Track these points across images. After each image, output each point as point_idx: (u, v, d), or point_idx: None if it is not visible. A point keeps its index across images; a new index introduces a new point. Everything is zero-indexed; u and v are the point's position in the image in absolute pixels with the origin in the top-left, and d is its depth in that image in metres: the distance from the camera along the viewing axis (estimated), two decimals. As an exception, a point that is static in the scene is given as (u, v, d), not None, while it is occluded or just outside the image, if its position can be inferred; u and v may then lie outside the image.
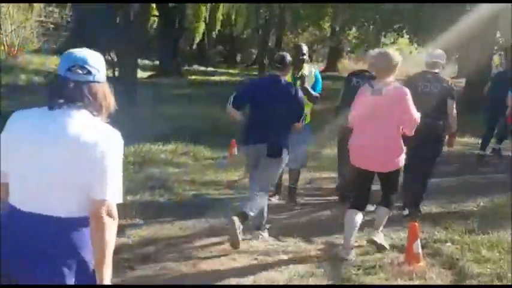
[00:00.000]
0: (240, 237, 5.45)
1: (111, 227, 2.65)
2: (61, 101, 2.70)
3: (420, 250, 5.31)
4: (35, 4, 27.94)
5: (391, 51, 5.83)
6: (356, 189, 5.85)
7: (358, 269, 5.25)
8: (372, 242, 5.72)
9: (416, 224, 5.43)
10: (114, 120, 2.87)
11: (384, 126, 5.51)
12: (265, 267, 5.27)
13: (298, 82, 6.81)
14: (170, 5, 25.84)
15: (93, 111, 2.74)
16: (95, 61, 2.79)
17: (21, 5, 28.36)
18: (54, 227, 2.65)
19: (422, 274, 5.10)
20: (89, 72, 2.75)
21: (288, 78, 6.48)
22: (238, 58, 43.41)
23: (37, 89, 20.84)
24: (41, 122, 2.71)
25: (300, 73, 6.89)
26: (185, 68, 30.99)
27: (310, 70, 7.00)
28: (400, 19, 19.26)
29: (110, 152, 2.68)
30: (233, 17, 31.52)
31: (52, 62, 26.76)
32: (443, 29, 13.96)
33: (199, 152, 10.08)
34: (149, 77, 25.10)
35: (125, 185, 2.80)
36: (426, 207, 7.20)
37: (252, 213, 5.61)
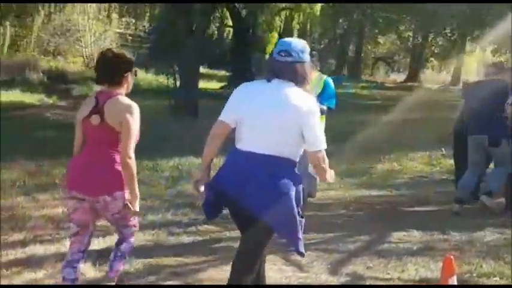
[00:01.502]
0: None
1: (325, 166, 3.72)
2: (273, 75, 3.75)
3: (456, 288, 4.51)
4: (112, 15, 28.31)
5: None
6: None
7: (382, 309, 4.53)
8: None
9: (451, 256, 4.65)
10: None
11: None
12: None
13: None
14: (243, 14, 25.57)
15: (297, 84, 3.74)
16: (296, 47, 3.77)
17: (100, 16, 28.91)
18: (269, 163, 3.64)
19: (455, 317, 4.33)
20: (290, 55, 3.74)
21: None
22: (316, 69, 42.73)
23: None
24: (263, 88, 3.78)
25: None
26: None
27: (321, 77, 6.18)
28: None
29: (314, 114, 3.70)
30: (308, 27, 30.73)
31: (129, 74, 26.98)
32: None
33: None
34: (221, 88, 24.71)
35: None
36: (477, 234, 6.39)
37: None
